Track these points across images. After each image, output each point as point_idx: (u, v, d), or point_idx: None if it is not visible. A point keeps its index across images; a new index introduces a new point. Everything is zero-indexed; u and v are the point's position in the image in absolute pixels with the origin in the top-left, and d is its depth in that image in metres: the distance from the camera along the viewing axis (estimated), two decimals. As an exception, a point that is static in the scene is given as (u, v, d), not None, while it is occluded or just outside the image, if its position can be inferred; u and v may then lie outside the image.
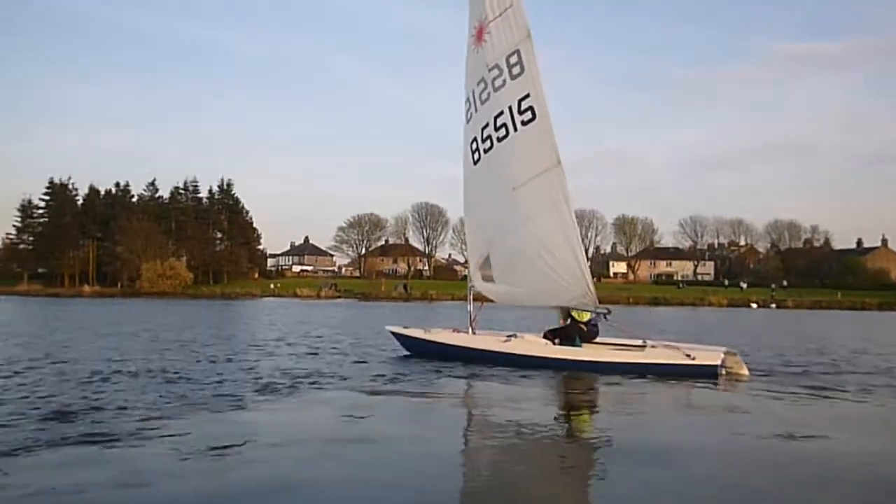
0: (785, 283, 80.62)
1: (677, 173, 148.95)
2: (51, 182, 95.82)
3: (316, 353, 13.13)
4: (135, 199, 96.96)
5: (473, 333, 12.15)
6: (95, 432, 5.94)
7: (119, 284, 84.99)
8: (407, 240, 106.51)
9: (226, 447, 5.56)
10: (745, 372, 10.36)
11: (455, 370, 10.62)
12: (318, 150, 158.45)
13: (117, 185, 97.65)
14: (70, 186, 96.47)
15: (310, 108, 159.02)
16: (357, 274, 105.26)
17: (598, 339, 11.44)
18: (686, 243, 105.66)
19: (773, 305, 67.77)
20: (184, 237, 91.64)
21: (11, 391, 8.09)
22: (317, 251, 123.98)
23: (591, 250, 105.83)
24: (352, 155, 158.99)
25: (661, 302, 69.81)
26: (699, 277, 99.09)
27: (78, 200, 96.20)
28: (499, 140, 12.21)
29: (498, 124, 12.19)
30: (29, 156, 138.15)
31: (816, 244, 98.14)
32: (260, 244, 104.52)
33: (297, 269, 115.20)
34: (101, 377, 9.26)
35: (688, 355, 10.08)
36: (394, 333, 13.29)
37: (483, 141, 12.49)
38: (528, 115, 11.83)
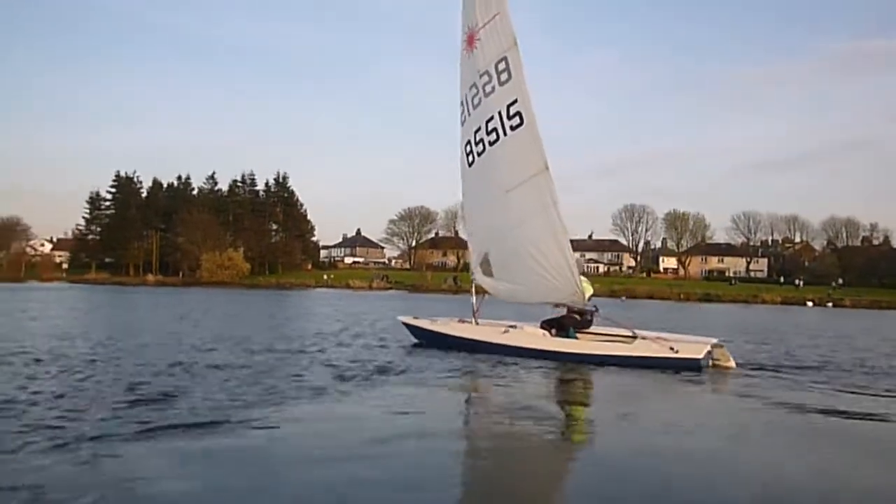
0: (840, 281, 78.98)
1: (731, 171, 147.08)
2: (117, 176, 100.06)
3: (384, 345, 13.36)
4: (195, 192, 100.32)
5: (476, 324, 12.67)
6: (202, 422, 6.15)
7: (180, 274, 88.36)
8: (457, 232, 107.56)
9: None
10: (732, 364, 10.71)
11: (463, 360, 11.15)
12: (370, 144, 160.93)
13: (179, 178, 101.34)
14: (135, 180, 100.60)
15: (363, 103, 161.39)
16: (407, 266, 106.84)
17: (592, 329, 11.86)
18: (739, 240, 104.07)
19: (830, 304, 66.61)
20: (241, 229, 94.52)
21: (105, 378, 8.45)
22: (368, 243, 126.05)
23: (640, 245, 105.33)
24: (403, 148, 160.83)
25: (712, 298, 69.26)
26: (752, 274, 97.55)
27: (142, 193, 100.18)
28: (490, 144, 12.79)
29: (489, 128, 12.72)
30: (98, 151, 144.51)
31: (875, 242, 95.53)
32: (314, 236, 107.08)
33: (348, 260, 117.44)
34: (184, 367, 9.59)
35: (671, 348, 10.37)
36: (405, 324, 13.88)
37: (476, 144, 13.03)
38: (517, 119, 12.35)
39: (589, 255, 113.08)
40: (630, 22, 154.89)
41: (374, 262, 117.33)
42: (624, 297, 62.13)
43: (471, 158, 13.27)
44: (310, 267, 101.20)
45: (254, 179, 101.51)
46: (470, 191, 13.65)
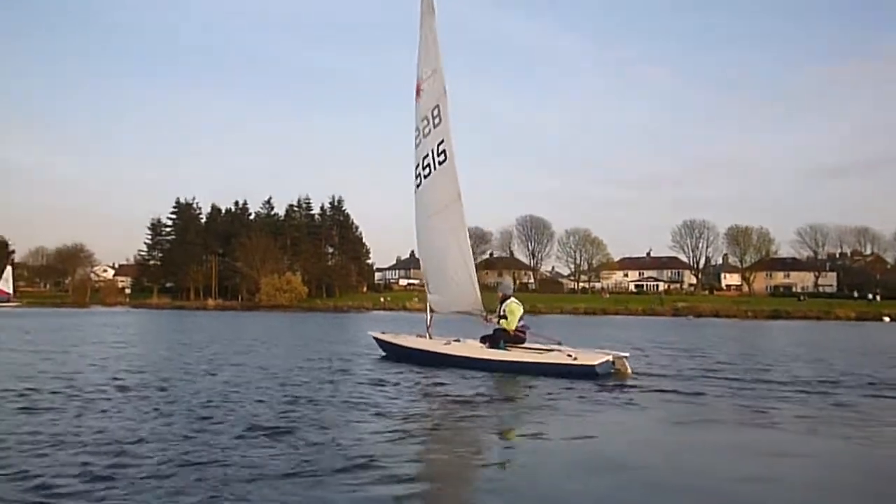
0: (919, 294, 75.11)
1: (794, 180, 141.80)
2: (177, 202, 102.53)
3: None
4: (252, 217, 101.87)
5: (430, 338, 14.31)
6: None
7: (239, 297, 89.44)
8: (512, 253, 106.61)
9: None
10: (629, 372, 11.84)
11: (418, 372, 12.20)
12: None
13: (236, 203, 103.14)
14: (194, 206, 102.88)
15: (410, 123, 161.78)
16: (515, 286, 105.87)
17: (525, 344, 13.04)
18: (805, 253, 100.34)
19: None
20: (298, 252, 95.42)
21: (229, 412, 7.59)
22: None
23: (701, 261, 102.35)
24: (456, 168, 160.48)
25: (781, 315, 66.52)
26: (820, 289, 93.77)
27: (201, 219, 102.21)
28: (425, 177, 15.18)
29: (425, 164, 15.15)
30: (160, 179, 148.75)
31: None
32: (369, 259, 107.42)
33: (403, 282, 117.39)
34: (294, 398, 8.72)
35: (569, 355, 11.83)
36: (375, 339, 15.74)
37: (416, 178, 15.52)
38: (443, 156, 14.68)
39: (648, 273, 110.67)
40: (676, 27, 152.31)
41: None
42: (690, 316, 60.15)
43: (418, 182, 15.53)
44: (365, 289, 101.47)
45: (309, 203, 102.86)
46: (416, 213, 15.75)
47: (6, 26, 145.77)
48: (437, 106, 14.96)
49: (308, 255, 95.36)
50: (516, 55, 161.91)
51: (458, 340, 13.70)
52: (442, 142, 14.75)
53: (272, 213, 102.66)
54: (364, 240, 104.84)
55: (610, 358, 11.91)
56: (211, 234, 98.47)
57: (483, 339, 13.22)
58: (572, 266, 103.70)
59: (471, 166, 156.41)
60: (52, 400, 8.12)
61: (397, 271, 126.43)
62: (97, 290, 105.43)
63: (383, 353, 15.02)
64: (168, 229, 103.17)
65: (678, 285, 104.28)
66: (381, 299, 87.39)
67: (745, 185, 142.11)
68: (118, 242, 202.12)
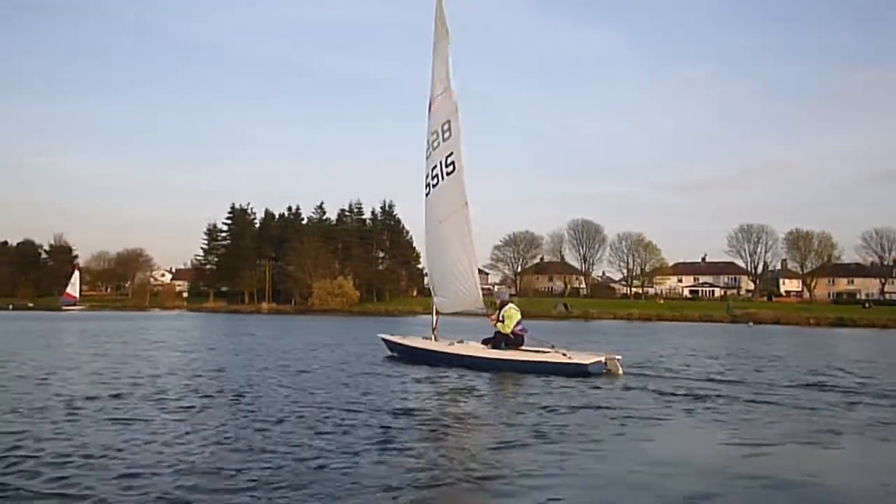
0: None
1: (856, 184, 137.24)
2: (232, 207, 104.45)
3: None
4: (304, 222, 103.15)
5: (435, 340, 15.51)
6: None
7: (292, 302, 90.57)
8: (563, 257, 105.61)
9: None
10: (620, 372, 12.75)
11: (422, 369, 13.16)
12: (471, 170, 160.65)
13: (289, 209, 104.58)
14: (249, 211, 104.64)
15: (464, 128, 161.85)
16: (513, 292, 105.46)
17: (524, 346, 14.07)
18: (870, 259, 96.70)
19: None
20: (349, 257, 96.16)
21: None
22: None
23: (759, 267, 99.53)
24: (505, 174, 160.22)
25: (846, 323, 64.10)
26: (887, 296, 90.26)
27: (255, 224, 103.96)
28: (434, 186, 16.55)
29: (434, 174, 16.50)
30: (215, 185, 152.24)
31: None
32: (419, 263, 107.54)
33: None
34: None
35: (564, 355, 12.95)
36: (383, 339, 17.20)
37: (426, 187, 16.89)
38: (452, 168, 16.03)
39: (703, 279, 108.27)
40: (727, 29, 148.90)
41: (481, 289, 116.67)
42: (751, 323, 58.49)
43: (427, 191, 16.95)
44: (415, 293, 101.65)
45: (360, 208, 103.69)
46: (425, 219, 17.18)
47: (65, 41, 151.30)
48: (448, 121, 16.24)
49: (359, 259, 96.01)
50: (562, 61, 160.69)
51: (461, 342, 14.85)
52: (451, 154, 16.07)
53: (324, 218, 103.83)
54: (414, 244, 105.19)
55: (602, 359, 12.94)
56: (265, 239, 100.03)
57: (485, 342, 14.37)
58: (624, 271, 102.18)
59: (517, 173, 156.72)
60: (158, 404, 8.18)
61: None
62: (156, 293, 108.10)
63: (390, 353, 16.39)
64: (223, 234, 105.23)
65: (735, 291, 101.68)
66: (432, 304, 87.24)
67: (801, 190, 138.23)
68: (175, 248, 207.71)
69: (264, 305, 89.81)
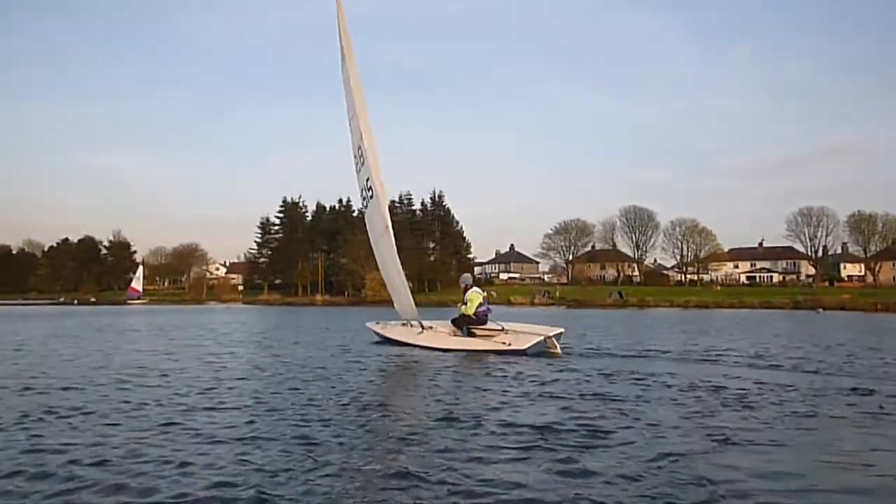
0: None
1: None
2: (284, 201, 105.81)
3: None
4: (356, 214, 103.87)
5: (411, 326, 16.77)
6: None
7: (345, 293, 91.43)
8: (615, 245, 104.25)
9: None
10: (559, 352, 13.79)
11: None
12: (521, 159, 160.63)
13: (340, 201, 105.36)
14: (300, 204, 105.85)
15: (512, 118, 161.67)
16: (564, 280, 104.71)
17: (487, 325, 15.52)
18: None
19: None
20: (400, 248, 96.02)
21: None
22: (522, 258, 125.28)
23: (819, 250, 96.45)
24: (555, 161, 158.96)
25: (917, 308, 61.67)
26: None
27: (307, 217, 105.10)
28: (365, 206, 18.24)
29: (362, 194, 18.09)
30: (268, 179, 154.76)
31: None
32: (469, 253, 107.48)
33: (504, 276, 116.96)
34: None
35: (504, 342, 14.34)
36: (370, 329, 18.67)
37: (361, 200, 18.53)
38: (371, 192, 17.27)
39: (760, 265, 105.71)
40: (782, 7, 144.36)
41: (531, 278, 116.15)
42: (820, 310, 56.77)
43: (364, 205, 18.50)
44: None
45: (411, 199, 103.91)
46: (369, 232, 18.60)
47: (121, 44, 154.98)
48: (360, 147, 17.22)
49: (410, 250, 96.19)
50: (613, 45, 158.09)
51: (430, 328, 16.40)
52: (368, 178, 17.09)
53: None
54: (465, 234, 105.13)
55: (541, 338, 14.07)
56: (317, 232, 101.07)
57: (453, 322, 16.08)
58: (678, 258, 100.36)
59: (567, 160, 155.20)
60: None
61: (497, 265, 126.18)
62: (212, 287, 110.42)
63: (377, 339, 17.64)
64: (276, 228, 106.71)
65: (795, 277, 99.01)
66: (487, 294, 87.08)
67: (862, 171, 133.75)
68: (229, 242, 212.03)
69: (318, 297, 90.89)
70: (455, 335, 15.66)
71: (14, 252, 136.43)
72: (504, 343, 14.30)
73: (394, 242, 16.91)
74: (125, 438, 5.91)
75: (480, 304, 15.58)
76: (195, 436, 6.01)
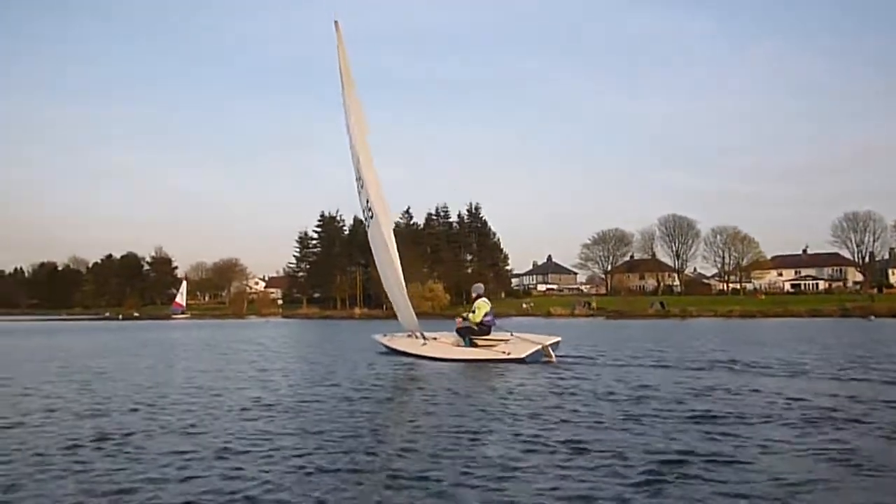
0: None
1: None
2: (322, 215, 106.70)
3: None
4: (392, 227, 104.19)
5: (416, 337, 17.22)
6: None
7: (383, 307, 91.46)
8: (654, 254, 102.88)
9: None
10: (554, 360, 14.50)
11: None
12: (556, 169, 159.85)
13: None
14: (338, 218, 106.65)
15: (547, 128, 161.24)
16: (603, 291, 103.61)
17: (491, 335, 16.25)
18: None
19: None
20: (437, 260, 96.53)
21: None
22: (560, 269, 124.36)
23: (866, 256, 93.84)
24: (591, 171, 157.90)
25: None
26: None
27: (345, 231, 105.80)
28: (367, 226, 19.08)
29: (364, 215, 18.88)
30: (307, 193, 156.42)
31: None
32: (507, 265, 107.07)
33: (541, 287, 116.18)
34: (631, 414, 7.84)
35: (503, 352, 14.82)
36: (376, 340, 19.23)
37: (364, 220, 19.36)
38: (370, 213, 18.07)
39: (805, 272, 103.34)
40: (816, 9, 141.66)
41: (569, 289, 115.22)
42: (872, 317, 55.16)
43: (366, 224, 19.37)
44: (503, 295, 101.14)
45: (447, 211, 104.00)
46: (372, 248, 19.24)
47: (155, 62, 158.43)
48: (359, 170, 18.13)
49: (447, 263, 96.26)
50: (646, 50, 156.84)
51: (435, 338, 17.08)
52: (368, 200, 17.93)
53: (411, 222, 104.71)
54: (501, 246, 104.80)
55: (539, 347, 14.77)
56: (354, 246, 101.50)
57: (457, 331, 16.65)
58: (719, 266, 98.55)
59: (602, 169, 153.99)
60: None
61: (534, 276, 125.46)
62: (252, 301, 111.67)
63: (383, 350, 18.13)
64: (314, 242, 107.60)
65: (841, 284, 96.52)
66: (524, 305, 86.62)
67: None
68: (267, 256, 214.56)
69: (356, 311, 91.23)
70: (458, 345, 16.32)
71: (60, 268, 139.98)
72: (504, 352, 14.83)
73: (395, 259, 17.73)
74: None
75: (486, 314, 16.33)
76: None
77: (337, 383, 11.16)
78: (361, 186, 18.18)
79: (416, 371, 13.29)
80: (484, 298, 16.58)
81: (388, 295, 19.42)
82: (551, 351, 14.79)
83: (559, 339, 15.67)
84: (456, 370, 13.17)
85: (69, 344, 25.65)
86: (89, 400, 9.34)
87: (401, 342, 17.60)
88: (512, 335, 15.87)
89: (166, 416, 7.84)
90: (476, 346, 16.01)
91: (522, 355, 14.42)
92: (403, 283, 17.97)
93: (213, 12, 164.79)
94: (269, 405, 8.68)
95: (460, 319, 16.77)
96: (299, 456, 5.77)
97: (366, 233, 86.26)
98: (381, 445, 6.18)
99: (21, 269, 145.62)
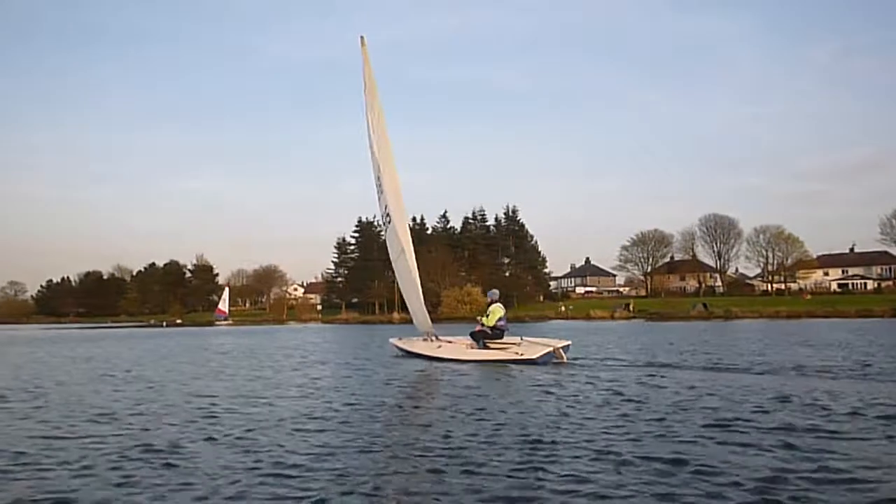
0: None
1: None
2: (359, 221, 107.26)
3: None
4: (429, 232, 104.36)
5: (432, 340, 18.15)
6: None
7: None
8: (695, 255, 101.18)
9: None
10: (565, 360, 15.37)
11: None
12: (594, 171, 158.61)
13: (413, 219, 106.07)
14: (375, 223, 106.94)
15: (584, 129, 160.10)
16: (643, 293, 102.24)
17: (504, 338, 16.89)
18: None
19: None
20: (475, 264, 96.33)
21: None
22: (599, 271, 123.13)
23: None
24: (631, 172, 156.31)
25: None
26: None
27: (382, 236, 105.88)
28: (385, 230, 20.31)
29: (383, 219, 20.07)
30: (343, 200, 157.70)
31: None
32: (545, 267, 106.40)
33: (580, 290, 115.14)
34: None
35: (516, 353, 15.62)
36: (394, 344, 19.67)
37: (382, 224, 20.49)
38: (388, 219, 19.30)
39: (853, 271, 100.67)
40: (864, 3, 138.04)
41: (608, 291, 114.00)
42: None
43: (384, 229, 20.60)
44: (541, 298, 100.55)
45: (484, 215, 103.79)
46: (389, 251, 20.24)
47: (196, 73, 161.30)
48: (379, 177, 19.22)
49: (485, 266, 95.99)
50: (684, 48, 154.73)
51: (450, 342, 17.84)
52: (386, 206, 18.97)
53: (448, 227, 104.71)
54: (539, 248, 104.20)
55: (550, 349, 15.47)
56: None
57: (471, 335, 17.36)
58: (763, 266, 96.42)
59: (642, 170, 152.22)
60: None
61: (573, 279, 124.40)
62: (292, 307, 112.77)
63: (398, 353, 18.99)
64: (352, 247, 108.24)
65: (892, 283, 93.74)
66: (563, 308, 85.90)
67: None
68: (304, 263, 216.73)
69: (395, 315, 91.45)
70: (472, 348, 17.01)
71: (105, 277, 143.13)
72: (517, 353, 15.60)
73: (412, 263, 18.76)
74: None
75: (500, 319, 16.98)
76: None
77: (384, 392, 11.03)
78: (381, 193, 19.28)
79: (468, 379, 12.96)
80: (498, 304, 17.20)
81: (404, 296, 20.23)
82: (563, 353, 15.47)
83: (569, 342, 16.30)
84: (497, 376, 12.98)
85: (145, 350, 26.01)
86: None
87: (417, 345, 18.23)
88: (522, 339, 16.62)
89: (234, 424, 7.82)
90: (489, 348, 16.63)
91: (534, 356, 15.12)
92: (419, 286, 18.89)
93: (246, 26, 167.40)
94: (322, 418, 8.54)
95: (480, 325, 17.35)
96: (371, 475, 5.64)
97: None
98: (452, 462, 6.01)
99: (68, 277, 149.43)
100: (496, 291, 18.16)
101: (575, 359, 16.12)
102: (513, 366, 14.67)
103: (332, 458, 5.98)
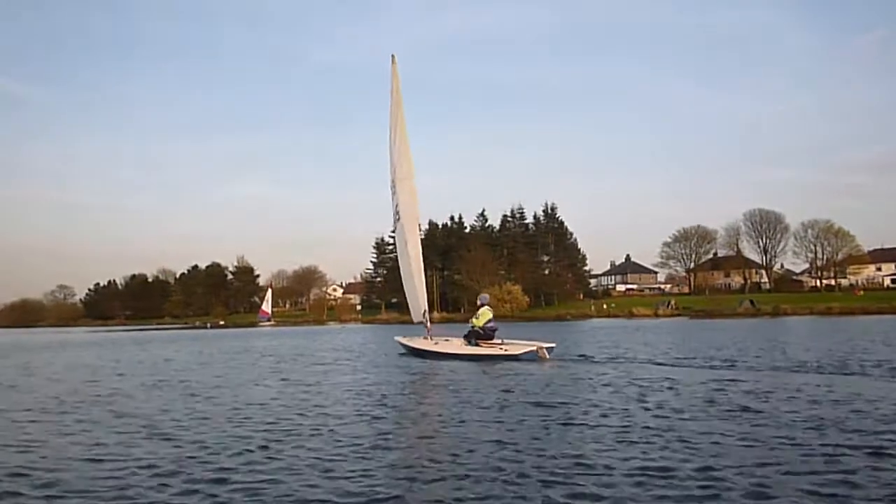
0: None
1: None
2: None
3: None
4: (468, 230, 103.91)
5: (429, 339, 20.28)
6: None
7: (461, 309, 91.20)
8: (739, 250, 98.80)
9: None
10: (547, 358, 16.72)
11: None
12: (634, 167, 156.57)
13: (452, 218, 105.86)
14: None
15: (624, 125, 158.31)
16: (685, 290, 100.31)
17: (495, 339, 18.43)
18: None
19: None
20: (514, 263, 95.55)
21: None
22: (639, 269, 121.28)
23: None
24: (672, 167, 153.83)
25: None
26: None
27: (421, 235, 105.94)
28: (394, 228, 22.34)
29: (394, 218, 21.75)
30: (381, 201, 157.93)
31: None
32: (585, 265, 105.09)
33: (621, 287, 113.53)
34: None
35: (503, 349, 17.43)
36: (398, 342, 21.76)
37: (394, 221, 22.00)
38: (398, 216, 21.40)
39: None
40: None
41: (649, 288, 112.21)
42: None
43: (395, 226, 22.38)
44: (581, 296, 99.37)
45: (523, 213, 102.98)
46: (396, 245, 23.17)
47: (241, 83, 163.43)
48: (392, 179, 21.41)
49: (524, 264, 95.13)
50: (725, 40, 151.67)
51: (447, 340, 19.75)
52: (397, 205, 21.25)
53: (486, 225, 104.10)
54: (579, 246, 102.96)
55: (534, 348, 17.12)
56: (431, 249, 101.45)
57: (464, 336, 18.96)
58: (811, 261, 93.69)
59: (684, 165, 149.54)
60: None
61: (613, 276, 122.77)
62: (332, 307, 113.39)
63: (402, 351, 20.89)
64: (390, 248, 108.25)
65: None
66: (605, 306, 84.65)
67: None
68: (342, 263, 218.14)
69: (435, 314, 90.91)
70: (465, 345, 18.72)
71: (150, 280, 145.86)
72: (503, 349, 17.46)
73: (417, 261, 21.02)
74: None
75: (489, 321, 18.65)
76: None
77: (440, 396, 10.71)
78: (394, 192, 21.38)
79: (503, 382, 12.62)
80: (488, 307, 19.00)
81: (404, 286, 22.28)
82: (546, 353, 16.99)
83: (553, 344, 17.81)
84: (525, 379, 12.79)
85: (219, 351, 26.22)
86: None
87: (417, 342, 20.37)
88: (503, 342, 18.27)
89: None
90: (479, 346, 18.27)
91: (517, 353, 17.03)
92: (423, 279, 21.21)
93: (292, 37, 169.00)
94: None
95: (472, 326, 19.13)
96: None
97: (442, 236, 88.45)
98: (509, 467, 5.62)
99: (114, 281, 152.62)
100: (486, 296, 20.04)
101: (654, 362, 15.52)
102: (500, 360, 16.66)
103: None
